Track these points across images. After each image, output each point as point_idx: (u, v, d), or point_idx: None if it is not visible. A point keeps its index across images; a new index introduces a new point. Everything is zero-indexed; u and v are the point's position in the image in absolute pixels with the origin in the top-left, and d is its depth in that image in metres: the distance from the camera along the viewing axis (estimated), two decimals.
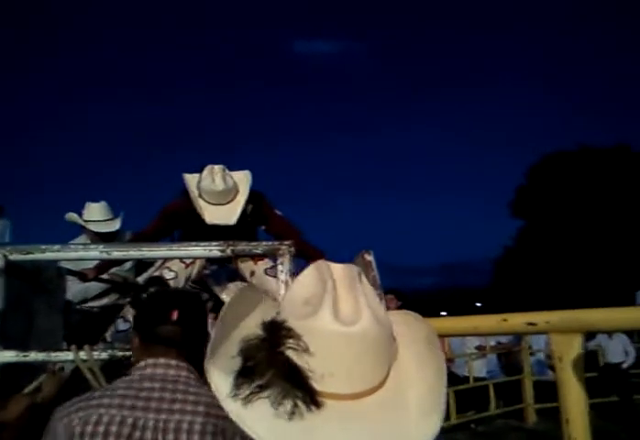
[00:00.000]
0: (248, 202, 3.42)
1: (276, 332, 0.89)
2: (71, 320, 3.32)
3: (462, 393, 7.81)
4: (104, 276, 3.59)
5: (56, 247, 2.16)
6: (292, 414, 0.85)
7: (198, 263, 3.47)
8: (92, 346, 2.16)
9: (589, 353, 9.37)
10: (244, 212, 3.40)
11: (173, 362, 1.44)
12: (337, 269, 0.98)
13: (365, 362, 0.91)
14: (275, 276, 2.65)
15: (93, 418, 1.33)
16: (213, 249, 2.19)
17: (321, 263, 1.01)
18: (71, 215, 4.14)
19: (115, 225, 4.11)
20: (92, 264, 3.36)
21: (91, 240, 4.01)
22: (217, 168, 3.31)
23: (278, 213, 3.65)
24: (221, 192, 3.26)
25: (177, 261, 3.42)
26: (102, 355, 2.10)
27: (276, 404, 0.86)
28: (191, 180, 3.37)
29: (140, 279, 3.90)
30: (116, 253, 2.22)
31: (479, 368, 8.89)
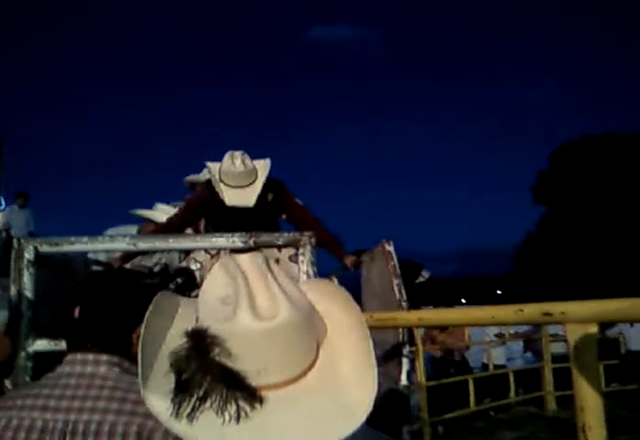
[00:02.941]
0: (269, 190, 3.49)
1: (201, 340, 0.89)
2: None
3: (481, 381, 7.83)
4: (129, 266, 3.67)
5: (84, 238, 2.22)
6: (237, 417, 0.86)
7: (223, 254, 3.54)
8: None
9: (610, 341, 9.33)
10: (265, 200, 3.47)
11: (90, 357, 1.32)
12: (244, 261, 0.98)
13: (294, 350, 0.92)
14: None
15: (2, 422, 1.23)
16: (235, 240, 2.24)
17: (226, 259, 1.01)
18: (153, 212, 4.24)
19: None
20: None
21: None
22: (237, 152, 3.42)
23: (298, 202, 3.70)
24: (240, 174, 3.34)
25: (202, 252, 3.50)
26: None
27: (220, 412, 0.87)
28: (213, 167, 3.47)
29: (149, 263, 3.97)
30: (143, 244, 2.27)
31: (498, 356, 8.91)
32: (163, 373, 0.91)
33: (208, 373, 0.87)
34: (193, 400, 0.87)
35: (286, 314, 0.90)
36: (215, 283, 0.97)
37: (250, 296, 0.92)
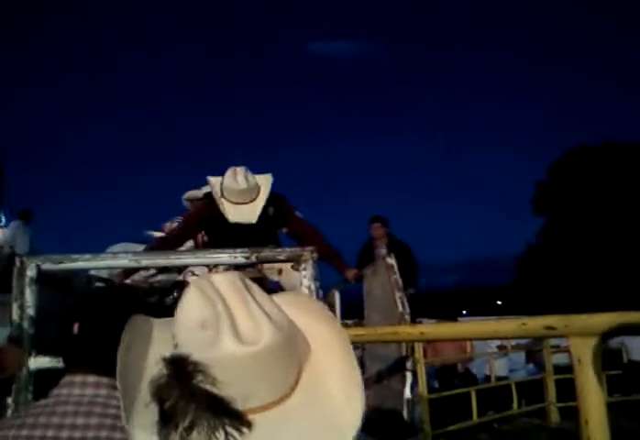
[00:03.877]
0: (270, 204, 3.50)
1: (182, 367, 0.85)
2: None
3: (484, 393, 7.79)
4: (129, 281, 3.67)
5: (87, 256, 2.22)
6: None
7: (222, 267, 3.54)
8: None
9: (612, 351, 9.31)
10: (266, 214, 3.48)
11: (91, 379, 1.26)
12: (221, 282, 0.94)
13: (279, 371, 0.90)
14: None
15: None
16: (238, 256, 2.24)
17: (201, 281, 0.97)
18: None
19: None
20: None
21: None
22: (240, 168, 3.42)
23: (299, 215, 3.72)
24: (243, 191, 3.35)
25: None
26: None
27: None
28: (214, 182, 3.47)
29: (158, 278, 3.97)
30: (145, 261, 2.28)
31: (501, 368, 8.89)
32: (145, 404, 0.88)
33: (192, 401, 0.84)
34: (179, 430, 0.84)
35: (270, 337, 0.87)
36: (192, 305, 0.92)
37: (231, 319, 0.89)
